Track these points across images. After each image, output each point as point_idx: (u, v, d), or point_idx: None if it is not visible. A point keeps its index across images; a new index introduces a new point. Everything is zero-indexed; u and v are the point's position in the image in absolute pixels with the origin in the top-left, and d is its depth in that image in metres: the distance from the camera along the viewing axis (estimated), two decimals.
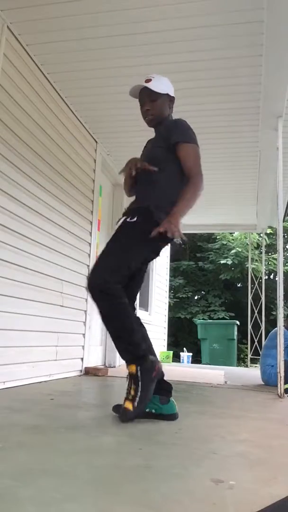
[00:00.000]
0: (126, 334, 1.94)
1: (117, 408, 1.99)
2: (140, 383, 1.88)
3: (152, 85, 2.17)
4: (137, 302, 6.09)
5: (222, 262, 12.70)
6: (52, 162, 3.45)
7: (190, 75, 3.27)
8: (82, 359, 3.98)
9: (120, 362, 5.10)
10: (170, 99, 2.27)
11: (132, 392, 1.88)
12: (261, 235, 8.93)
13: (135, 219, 2.02)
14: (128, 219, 2.04)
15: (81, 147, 4.07)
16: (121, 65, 3.20)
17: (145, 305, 6.56)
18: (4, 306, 2.76)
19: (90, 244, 4.25)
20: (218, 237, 13.24)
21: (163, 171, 2.10)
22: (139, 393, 1.87)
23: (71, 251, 3.81)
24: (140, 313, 6.11)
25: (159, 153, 2.15)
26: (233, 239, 13.04)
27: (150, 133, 2.36)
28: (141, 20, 2.77)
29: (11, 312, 2.84)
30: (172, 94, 2.28)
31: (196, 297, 13.81)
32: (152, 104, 2.19)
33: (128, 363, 1.94)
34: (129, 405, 1.86)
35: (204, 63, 3.13)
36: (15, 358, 2.87)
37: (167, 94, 2.24)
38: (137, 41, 2.96)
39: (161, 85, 2.20)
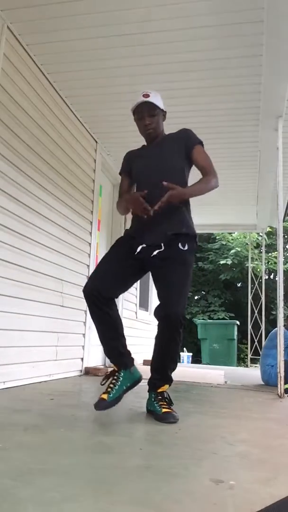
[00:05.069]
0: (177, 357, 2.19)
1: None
2: None
3: (152, 100, 2.21)
4: (137, 302, 6.08)
5: (221, 262, 12.69)
6: (52, 162, 3.45)
7: (190, 75, 3.27)
8: (82, 359, 3.98)
9: None
10: (164, 114, 2.33)
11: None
12: (261, 234, 8.93)
13: (186, 247, 2.12)
14: (181, 247, 2.12)
15: (81, 147, 4.07)
16: (121, 65, 3.20)
17: (145, 305, 6.56)
18: (4, 306, 2.76)
19: (90, 244, 4.25)
20: (217, 237, 13.24)
21: (185, 184, 2.22)
22: None
23: (71, 251, 3.81)
24: (140, 313, 6.12)
25: (180, 162, 2.23)
26: (232, 239, 13.03)
27: None
28: (141, 20, 2.77)
29: (11, 312, 2.84)
30: (165, 109, 2.33)
31: (196, 297, 13.79)
32: (152, 118, 2.24)
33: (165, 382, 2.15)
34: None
35: (204, 63, 3.13)
36: (15, 358, 2.87)
37: (162, 110, 2.30)
38: (137, 41, 2.96)
39: (158, 101, 2.25)
